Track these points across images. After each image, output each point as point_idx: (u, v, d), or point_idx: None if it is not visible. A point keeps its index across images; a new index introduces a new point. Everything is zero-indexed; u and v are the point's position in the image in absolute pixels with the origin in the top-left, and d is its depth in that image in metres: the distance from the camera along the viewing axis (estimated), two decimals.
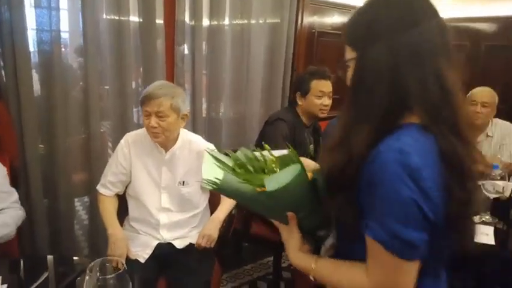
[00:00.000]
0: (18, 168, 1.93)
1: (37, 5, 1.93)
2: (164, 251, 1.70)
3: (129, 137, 1.74)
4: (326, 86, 2.23)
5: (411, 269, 0.77)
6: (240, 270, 2.74)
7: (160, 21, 2.32)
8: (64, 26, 2.06)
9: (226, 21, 2.63)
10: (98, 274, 0.90)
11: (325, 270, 0.89)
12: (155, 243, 1.71)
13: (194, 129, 2.54)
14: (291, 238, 0.93)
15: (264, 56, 2.84)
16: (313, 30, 2.99)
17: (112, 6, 2.15)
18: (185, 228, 1.77)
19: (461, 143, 0.77)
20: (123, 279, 0.91)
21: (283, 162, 0.90)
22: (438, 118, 0.77)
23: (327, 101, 2.25)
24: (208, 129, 2.74)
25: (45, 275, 1.23)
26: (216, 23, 2.58)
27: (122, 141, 1.74)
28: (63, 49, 2.06)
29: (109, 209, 1.73)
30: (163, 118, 1.57)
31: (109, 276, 0.89)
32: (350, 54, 0.86)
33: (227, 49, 2.67)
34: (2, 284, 1.14)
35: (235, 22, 2.66)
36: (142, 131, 1.71)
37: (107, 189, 1.74)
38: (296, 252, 0.92)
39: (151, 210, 1.72)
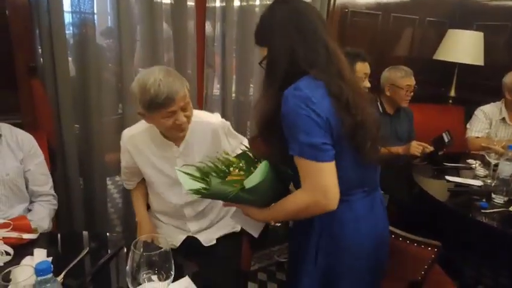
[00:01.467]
0: (55, 148, 1.99)
1: None
2: (191, 245, 1.66)
3: (125, 141, 1.59)
4: (367, 68, 2.23)
5: (328, 169, 1.06)
6: (267, 251, 2.79)
7: (191, 2, 2.30)
8: (98, 8, 2.06)
9: (257, 2, 2.58)
10: (142, 250, 0.92)
11: (275, 207, 1.18)
12: (183, 236, 1.67)
13: (223, 112, 2.54)
14: (251, 209, 1.24)
15: None
16: (346, 10, 2.90)
17: None
18: (211, 215, 1.70)
19: (345, 84, 1.10)
20: (166, 256, 0.92)
21: (244, 158, 1.24)
22: (325, 70, 1.10)
23: (368, 83, 2.24)
24: (237, 112, 2.73)
25: (85, 250, 1.26)
26: (246, 3, 2.54)
27: (121, 143, 1.62)
28: (96, 31, 2.08)
29: (136, 196, 1.73)
30: (187, 108, 1.44)
31: (152, 253, 0.90)
32: (262, 51, 1.18)
33: None
34: (48, 256, 1.18)
35: (265, 2, 2.62)
36: (139, 130, 1.57)
37: (127, 183, 1.75)
38: (255, 212, 1.22)
39: (175, 205, 1.63)
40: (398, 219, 2.35)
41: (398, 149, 2.40)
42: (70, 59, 2.03)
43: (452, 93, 3.44)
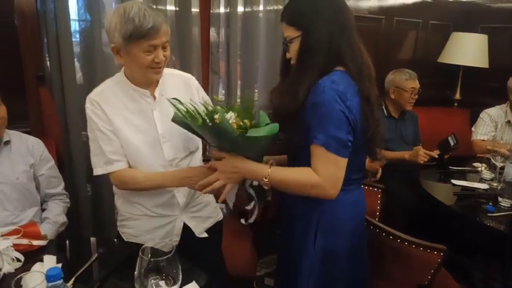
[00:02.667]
0: (63, 155, 2.01)
1: None
2: (185, 239, 1.49)
3: (94, 98, 1.35)
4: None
5: (343, 164, 1.15)
6: (274, 257, 2.77)
7: (195, 9, 2.32)
8: (104, 15, 2.09)
9: (261, 8, 2.61)
10: (149, 256, 0.93)
11: (278, 172, 1.18)
12: (178, 225, 1.47)
13: None
14: (237, 157, 1.21)
15: None
16: None
17: None
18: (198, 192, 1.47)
19: (371, 86, 1.20)
20: (173, 262, 0.94)
21: (245, 104, 1.23)
22: (359, 70, 1.17)
23: None
24: None
25: (94, 256, 1.28)
26: (250, 9, 2.56)
27: (87, 105, 1.35)
28: (103, 38, 2.10)
29: (147, 174, 1.38)
30: (166, 48, 1.30)
31: (160, 259, 0.92)
32: (293, 33, 1.20)
33: (261, 36, 2.65)
34: (57, 263, 1.19)
35: (269, 8, 2.64)
36: (105, 86, 1.39)
37: (116, 163, 1.35)
38: (248, 162, 1.20)
39: (157, 170, 1.39)
40: (403, 222, 2.37)
41: (404, 154, 2.40)
42: (77, 66, 2.06)
43: (457, 95, 3.44)
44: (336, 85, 1.11)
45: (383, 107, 2.61)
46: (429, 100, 2.90)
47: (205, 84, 2.49)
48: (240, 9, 2.53)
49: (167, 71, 1.42)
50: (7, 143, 1.59)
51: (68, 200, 1.78)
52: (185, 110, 1.22)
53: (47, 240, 1.35)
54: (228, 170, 1.22)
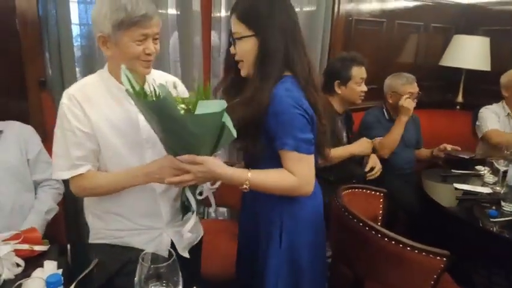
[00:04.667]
0: None
1: (80, 1, 1.98)
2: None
3: (73, 93, 1.23)
4: (364, 72, 2.22)
5: (313, 161, 1.24)
6: None
7: (197, 13, 2.32)
8: None
9: None
10: (150, 263, 0.93)
11: (259, 176, 1.21)
12: (166, 241, 1.38)
13: None
14: (214, 162, 1.17)
15: None
16: (351, 18, 2.92)
17: None
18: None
19: (318, 95, 1.27)
20: (173, 269, 0.93)
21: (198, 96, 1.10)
22: (306, 78, 1.24)
23: (365, 88, 2.23)
24: None
25: (95, 262, 1.27)
26: None
27: (64, 101, 1.23)
28: None
29: (107, 175, 1.28)
30: (157, 40, 1.24)
31: (160, 265, 0.91)
32: (243, 30, 1.22)
33: None
34: (58, 268, 1.19)
35: None
36: (87, 81, 1.30)
37: (79, 167, 1.24)
38: (226, 168, 1.20)
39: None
40: (405, 226, 2.37)
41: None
42: (77, 71, 2.06)
43: (460, 98, 3.43)
44: (290, 92, 1.19)
45: (384, 110, 2.61)
46: (431, 103, 2.90)
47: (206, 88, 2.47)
48: None
49: (155, 72, 1.36)
50: (0, 132, 1.62)
51: (59, 186, 1.74)
52: (140, 87, 1.12)
53: (48, 246, 1.34)
54: (203, 176, 1.17)
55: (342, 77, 2.19)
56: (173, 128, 1.09)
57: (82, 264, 1.24)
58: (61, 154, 1.25)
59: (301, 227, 1.34)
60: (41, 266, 1.20)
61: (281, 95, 1.18)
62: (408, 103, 2.38)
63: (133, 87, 1.10)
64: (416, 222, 2.32)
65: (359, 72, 2.18)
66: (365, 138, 2.26)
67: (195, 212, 1.27)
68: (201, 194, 1.27)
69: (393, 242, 1.40)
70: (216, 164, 1.17)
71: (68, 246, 1.54)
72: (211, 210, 2.50)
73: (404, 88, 2.50)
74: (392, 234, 1.41)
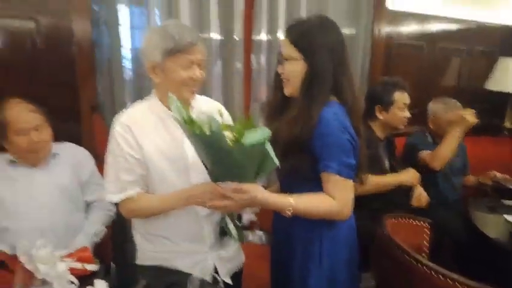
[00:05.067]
0: None
1: (131, 26, 2.10)
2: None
3: (124, 121, 1.31)
4: (407, 97, 2.18)
5: (352, 186, 1.27)
6: None
7: (239, 37, 2.39)
8: None
9: None
10: (198, 285, 0.95)
11: (301, 202, 1.23)
12: (210, 266, 1.40)
13: None
14: (259, 190, 1.20)
15: None
16: (391, 41, 2.90)
17: (195, 24, 2.25)
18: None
19: (360, 121, 1.31)
20: None
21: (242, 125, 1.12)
22: (352, 104, 1.27)
23: (408, 114, 2.18)
24: None
25: (142, 283, 1.30)
26: None
27: (117, 128, 1.30)
28: None
29: (154, 197, 1.33)
30: (202, 67, 1.30)
31: None
32: (293, 53, 1.26)
33: None
34: None
35: None
36: (136, 109, 1.36)
37: (129, 190, 1.31)
38: (270, 195, 1.22)
39: None
40: (452, 255, 2.27)
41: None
42: (128, 93, 2.16)
43: (507, 124, 3.30)
44: (337, 116, 1.23)
45: (427, 134, 2.55)
46: (476, 129, 2.80)
47: (247, 113, 2.53)
48: (281, 35, 2.57)
49: (200, 98, 1.43)
50: (54, 155, 1.71)
51: (111, 207, 1.78)
52: (188, 116, 1.15)
53: (99, 265, 1.39)
54: (247, 203, 1.21)
55: (383, 102, 2.15)
56: (219, 157, 1.13)
57: (127, 285, 1.28)
58: (112, 179, 1.32)
59: (339, 247, 1.37)
60: (91, 284, 1.24)
61: (328, 118, 1.21)
62: (471, 117, 2.24)
63: (182, 116, 1.14)
64: (463, 253, 2.22)
65: (401, 97, 2.15)
66: (412, 169, 2.19)
67: (235, 238, 1.29)
68: (240, 220, 1.30)
69: (440, 276, 1.35)
70: (260, 191, 1.20)
71: (113, 265, 1.59)
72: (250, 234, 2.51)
73: (447, 116, 2.44)
74: (438, 268, 1.36)
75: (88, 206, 1.78)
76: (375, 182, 2.00)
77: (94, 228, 1.69)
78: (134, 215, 1.39)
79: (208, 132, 1.07)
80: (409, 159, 2.47)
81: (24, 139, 1.57)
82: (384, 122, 2.19)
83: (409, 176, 2.13)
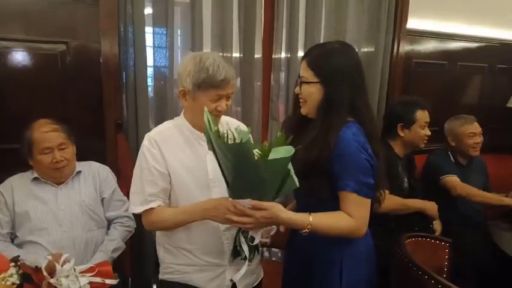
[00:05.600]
0: None
1: (154, 45, 2.17)
2: None
3: (153, 136, 1.39)
4: (427, 116, 2.19)
5: (369, 204, 1.28)
6: None
7: (258, 56, 2.43)
8: (176, 63, 2.21)
9: None
10: None
11: (320, 221, 1.23)
12: (227, 279, 1.42)
13: None
14: (279, 208, 1.21)
15: None
16: (410, 60, 2.90)
17: (217, 44, 2.29)
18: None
19: (377, 139, 1.33)
20: None
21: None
22: (369, 126, 1.30)
23: (429, 132, 2.19)
24: None
25: None
26: None
27: (145, 143, 1.38)
28: (174, 85, 2.21)
29: (172, 210, 1.39)
30: (230, 99, 1.37)
31: None
32: (310, 76, 1.30)
33: None
34: None
35: None
36: (164, 127, 1.44)
37: (151, 202, 1.36)
38: (289, 213, 1.22)
39: None
40: (475, 277, 2.20)
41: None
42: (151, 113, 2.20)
43: None
44: (357, 137, 1.25)
45: (449, 153, 2.52)
46: (498, 147, 2.76)
47: (265, 131, 2.55)
48: (300, 53, 2.60)
49: (224, 119, 1.47)
50: (78, 173, 1.78)
51: (130, 223, 1.83)
52: (217, 129, 1.19)
53: (118, 280, 1.43)
54: (265, 221, 1.21)
55: (405, 120, 2.16)
56: (245, 171, 1.14)
57: None
58: (138, 191, 1.38)
59: (359, 266, 1.37)
60: None
61: (348, 138, 1.24)
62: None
63: (211, 128, 1.18)
64: (487, 275, 2.16)
65: (423, 115, 2.16)
66: (435, 204, 2.18)
67: (247, 258, 1.29)
68: (252, 240, 1.29)
69: None
70: (279, 209, 1.20)
71: (130, 280, 1.62)
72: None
73: (464, 129, 2.45)
74: None
75: (109, 221, 1.83)
76: (397, 202, 2.04)
77: (113, 245, 1.73)
78: (154, 227, 1.44)
79: (237, 141, 1.11)
80: (430, 177, 2.45)
81: (48, 157, 1.64)
82: (405, 140, 2.19)
83: (432, 207, 2.15)
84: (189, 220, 1.35)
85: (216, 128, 1.19)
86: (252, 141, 1.20)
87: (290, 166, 1.14)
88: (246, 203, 1.18)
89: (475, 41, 3.10)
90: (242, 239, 1.27)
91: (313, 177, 1.27)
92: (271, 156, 1.08)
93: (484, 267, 2.21)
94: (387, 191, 2.02)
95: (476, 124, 2.46)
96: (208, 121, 1.16)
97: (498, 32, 3.15)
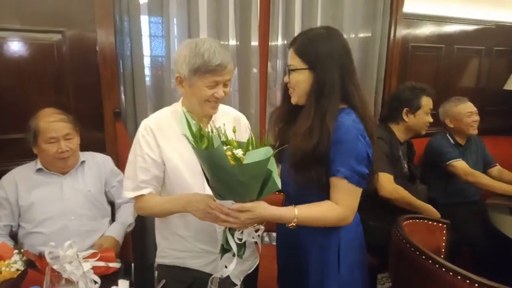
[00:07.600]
0: None
1: (150, 35, 2.17)
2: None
3: (149, 124, 1.39)
4: (431, 102, 2.24)
5: (359, 194, 1.26)
6: None
7: (255, 43, 2.43)
8: (173, 52, 2.21)
9: None
10: (217, 286, 0.98)
11: (305, 212, 1.22)
12: (220, 266, 1.35)
13: None
14: (263, 206, 1.18)
15: None
16: (407, 44, 2.89)
17: (213, 32, 2.29)
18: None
19: (370, 122, 1.29)
20: None
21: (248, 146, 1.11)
22: (363, 110, 1.28)
23: (431, 119, 2.24)
24: None
25: (162, 282, 1.35)
26: None
27: (141, 130, 1.39)
28: (171, 74, 2.22)
29: (160, 198, 1.40)
30: (227, 85, 1.35)
31: None
32: (298, 64, 1.27)
33: None
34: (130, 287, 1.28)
35: None
36: (162, 114, 1.44)
37: (142, 189, 1.37)
38: (273, 210, 1.20)
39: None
40: (469, 257, 2.24)
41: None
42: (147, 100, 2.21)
43: None
44: (357, 124, 1.23)
45: (447, 135, 2.55)
46: (494, 129, 2.77)
47: (263, 117, 2.56)
48: None
49: (222, 108, 1.46)
50: (82, 163, 1.81)
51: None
52: (199, 131, 1.15)
53: (121, 264, 1.45)
54: (251, 222, 1.18)
55: (412, 106, 2.20)
56: (222, 174, 1.11)
57: (147, 284, 1.32)
58: (130, 176, 1.39)
59: (353, 249, 1.38)
60: (116, 284, 1.30)
61: (348, 125, 1.22)
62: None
63: (191, 131, 1.15)
64: (481, 255, 2.19)
65: (428, 102, 2.21)
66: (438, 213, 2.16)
67: (236, 255, 1.23)
68: (240, 239, 1.24)
69: (458, 277, 1.35)
70: (263, 207, 1.18)
71: (133, 265, 1.65)
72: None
73: (460, 108, 2.50)
74: (457, 268, 1.35)
75: (119, 206, 1.89)
76: (403, 195, 2.08)
77: (127, 220, 1.81)
78: (143, 212, 1.44)
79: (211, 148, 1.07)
80: (435, 162, 2.49)
81: (53, 147, 1.66)
82: (409, 125, 2.23)
83: (435, 215, 2.13)
84: (173, 209, 1.36)
85: (197, 129, 1.15)
86: (234, 137, 1.17)
87: (274, 167, 1.12)
88: (229, 204, 1.14)
89: (471, 23, 3.09)
90: (230, 237, 1.23)
91: (313, 165, 1.25)
92: (247, 160, 1.04)
93: (477, 244, 2.25)
94: (391, 176, 2.07)
95: (470, 103, 2.52)
96: (187, 123, 1.14)
97: (495, 14, 3.14)
